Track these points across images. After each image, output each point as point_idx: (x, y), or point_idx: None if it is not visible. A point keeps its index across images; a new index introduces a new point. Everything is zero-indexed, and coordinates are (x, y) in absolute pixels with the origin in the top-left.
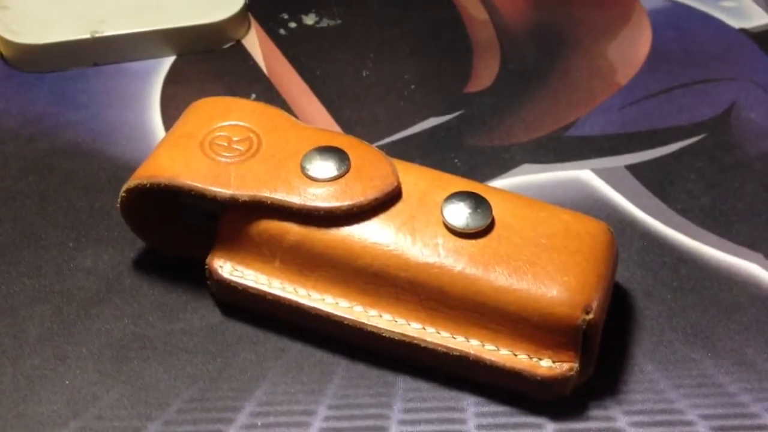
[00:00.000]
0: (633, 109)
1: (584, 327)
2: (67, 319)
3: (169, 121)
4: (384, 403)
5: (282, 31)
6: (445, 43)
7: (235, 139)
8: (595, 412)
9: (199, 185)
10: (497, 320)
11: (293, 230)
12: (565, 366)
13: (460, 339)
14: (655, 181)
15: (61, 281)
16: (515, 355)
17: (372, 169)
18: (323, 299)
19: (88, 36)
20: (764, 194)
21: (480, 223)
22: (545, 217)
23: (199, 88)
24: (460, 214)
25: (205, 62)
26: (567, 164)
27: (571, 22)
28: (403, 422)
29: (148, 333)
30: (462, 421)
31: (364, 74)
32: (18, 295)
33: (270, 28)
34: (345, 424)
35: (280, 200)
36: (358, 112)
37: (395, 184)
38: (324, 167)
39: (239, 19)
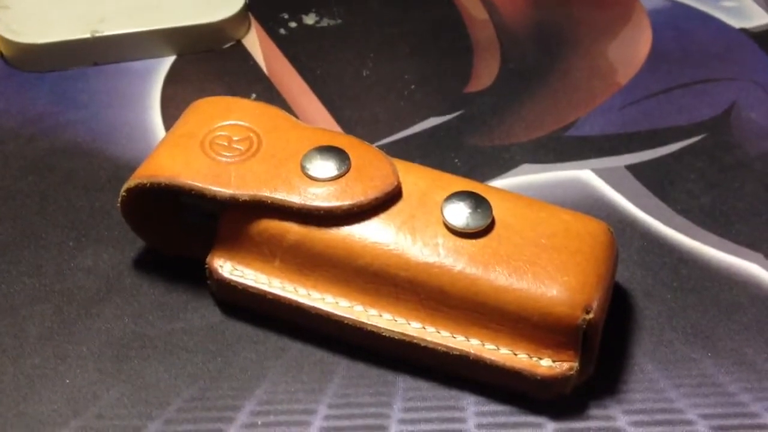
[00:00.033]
0: (633, 109)
1: (584, 326)
2: (67, 318)
3: (169, 120)
4: (384, 402)
5: (282, 31)
6: (445, 42)
7: (235, 138)
8: (595, 412)
9: (200, 185)
10: (497, 320)
11: (293, 230)
12: (565, 365)
13: (460, 338)
14: (655, 181)
15: (61, 280)
16: (515, 355)
17: (372, 168)
18: (323, 299)
19: (88, 35)
20: (764, 194)
21: (480, 222)
22: (545, 217)
23: (200, 88)
24: (460, 213)
25: (205, 62)
26: (567, 164)
27: (571, 22)
28: (403, 421)
29: (148, 332)
30: (462, 420)
31: (364, 74)
32: (18, 295)
33: (270, 28)
34: (345, 423)
35: (281, 200)
36: (358, 111)
37: (395, 183)
38: (324, 167)
39: (239, 19)
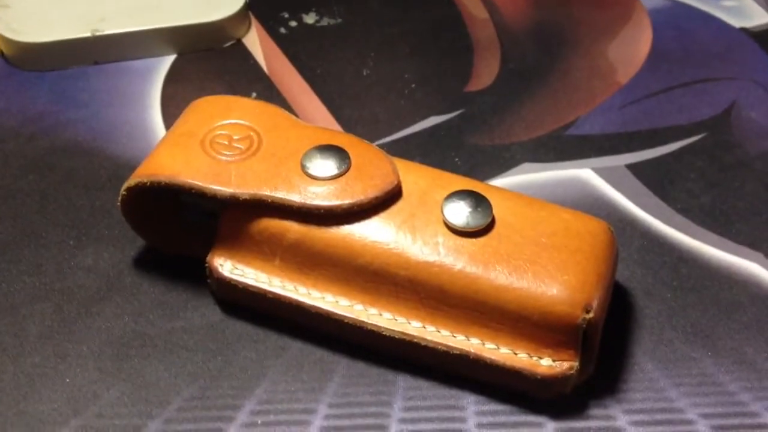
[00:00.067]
0: (633, 108)
1: (584, 326)
2: (67, 317)
3: (169, 119)
4: (384, 402)
5: (282, 30)
6: (445, 42)
7: (235, 137)
8: (595, 411)
9: (200, 184)
10: (497, 319)
11: (293, 229)
12: (566, 365)
13: (461, 337)
14: (655, 180)
15: (61, 279)
16: (515, 354)
17: (372, 167)
18: (323, 298)
19: (88, 34)
20: (764, 193)
21: (480, 221)
22: (545, 216)
23: (200, 87)
24: (460, 212)
25: (205, 61)
26: (567, 163)
27: (571, 22)
28: (403, 420)
29: (148, 331)
30: (462, 420)
31: (364, 73)
32: (18, 294)
33: (270, 27)
34: (345, 422)
35: (281, 199)
36: (358, 110)
37: (395, 182)
38: (324, 166)
39: (240, 18)
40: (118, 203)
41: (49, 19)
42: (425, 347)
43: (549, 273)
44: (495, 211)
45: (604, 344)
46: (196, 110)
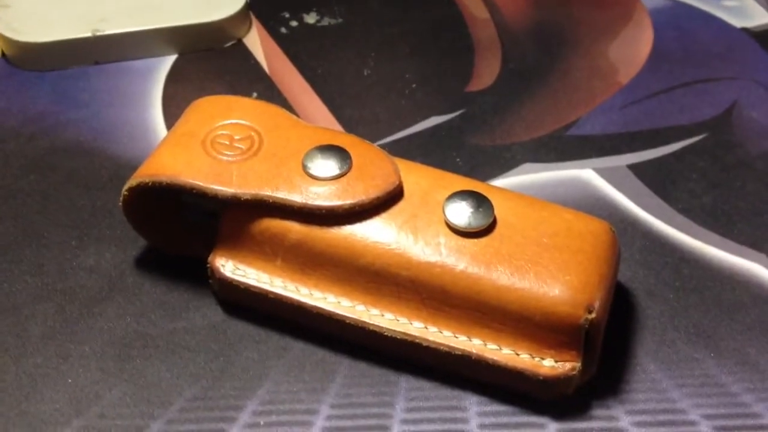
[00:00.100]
0: (634, 108)
1: (586, 326)
2: (69, 317)
3: (170, 119)
4: (386, 402)
5: (283, 30)
6: (446, 42)
7: (236, 137)
8: (597, 412)
9: (201, 184)
10: (499, 319)
11: (295, 229)
12: (568, 365)
13: (463, 338)
14: (656, 180)
15: (63, 280)
16: (517, 355)
17: (374, 168)
18: (325, 298)
19: (89, 34)
20: (766, 193)
21: (482, 222)
22: (547, 217)
23: (201, 87)
24: (462, 213)
25: (206, 61)
26: (568, 163)
27: (572, 22)
28: (405, 421)
29: (150, 331)
30: (464, 421)
31: (365, 73)
32: (20, 294)
33: (271, 27)
34: (347, 423)
35: (282, 199)
36: (359, 110)
37: (397, 182)
38: (325, 166)
39: (240, 18)
40: (120, 203)
41: (49, 18)
42: (427, 348)
43: (551, 273)
44: (496, 212)
45: (606, 345)
46: (197, 110)
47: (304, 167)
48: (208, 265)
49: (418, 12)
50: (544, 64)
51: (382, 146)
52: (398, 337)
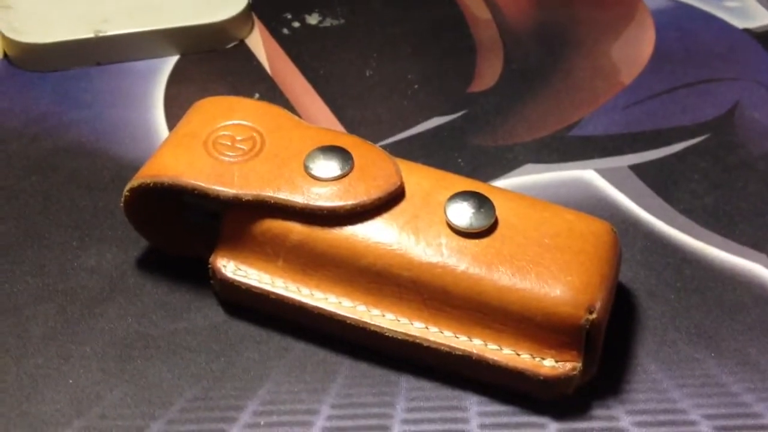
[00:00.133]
0: (636, 109)
1: (587, 327)
2: (70, 318)
3: (172, 120)
4: (387, 402)
5: (285, 31)
6: (448, 42)
7: (238, 138)
8: (598, 412)
9: (203, 184)
10: (500, 320)
11: (296, 229)
12: (568, 366)
13: (463, 338)
14: (658, 181)
15: (64, 280)
16: (518, 355)
17: (375, 168)
18: (326, 298)
19: (91, 35)
20: None
21: (483, 222)
22: (548, 217)
23: (203, 88)
24: (463, 213)
25: (208, 62)
26: (570, 164)
27: (574, 22)
28: (406, 421)
29: (151, 332)
30: (465, 421)
31: (367, 74)
32: (22, 294)
33: (273, 28)
34: (348, 423)
35: (284, 200)
36: (361, 111)
37: (398, 183)
38: (327, 167)
39: (242, 19)
40: (121, 204)
41: (51, 19)
42: (428, 348)
43: (552, 274)
44: (498, 212)
45: (607, 345)
46: (199, 111)
47: (306, 168)
48: (210, 266)
49: (419, 13)
50: (546, 64)
51: (384, 147)
52: (399, 337)
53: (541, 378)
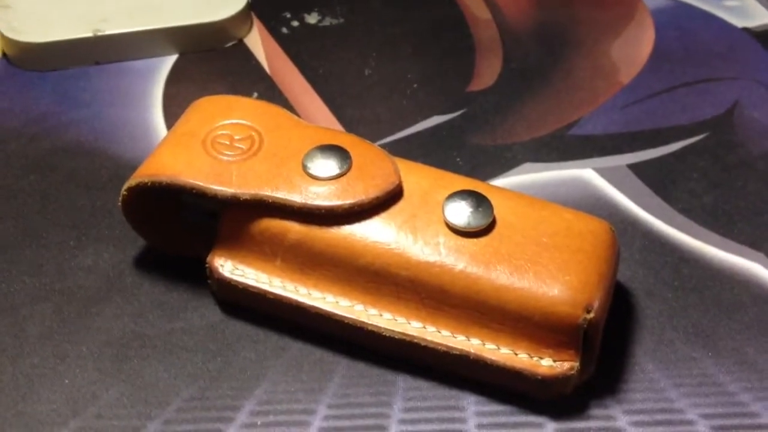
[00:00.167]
0: (635, 108)
1: (585, 326)
2: (67, 317)
3: (171, 119)
4: (384, 402)
5: (284, 30)
6: (447, 42)
7: (236, 137)
8: (595, 411)
9: (201, 184)
10: (498, 319)
11: (294, 229)
12: (566, 365)
13: (461, 338)
14: (657, 180)
15: (61, 280)
16: (516, 354)
17: (374, 167)
18: (324, 298)
19: (90, 35)
20: (767, 193)
21: (481, 221)
22: (547, 216)
23: (202, 87)
24: (461, 212)
25: (207, 61)
26: (569, 163)
27: (573, 22)
28: (403, 421)
29: (148, 332)
30: (462, 420)
31: (366, 73)
32: (18, 294)
33: (272, 27)
34: (345, 423)
35: (282, 199)
36: (360, 110)
37: (397, 182)
38: (326, 166)
39: (241, 18)
40: (119, 203)
41: (50, 19)
42: (425, 347)
43: (550, 273)
44: (496, 211)
45: (604, 344)
46: (197, 110)
47: (304, 167)
48: (207, 265)
49: (419, 12)
50: (545, 63)
51: (383, 146)
52: (397, 336)
53: (539, 377)
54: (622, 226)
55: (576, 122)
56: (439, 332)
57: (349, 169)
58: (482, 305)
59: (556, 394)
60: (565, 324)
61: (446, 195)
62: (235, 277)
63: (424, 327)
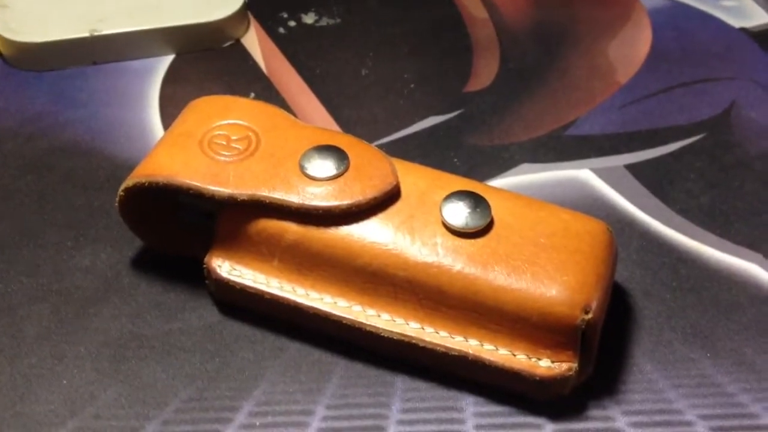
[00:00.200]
0: (633, 108)
1: (583, 327)
2: (65, 318)
3: (167, 119)
4: (382, 403)
5: (281, 30)
6: (444, 42)
7: (233, 137)
8: (594, 412)
9: (198, 184)
10: (496, 320)
11: (292, 229)
12: (564, 366)
13: (459, 339)
14: (654, 180)
15: (59, 280)
16: (514, 355)
17: (371, 168)
18: (322, 299)
19: (87, 35)
20: (764, 194)
21: (479, 222)
22: (544, 217)
23: (199, 87)
24: (459, 213)
25: (204, 61)
26: (566, 164)
27: (570, 21)
28: (401, 422)
29: (146, 332)
30: (461, 421)
31: (363, 73)
32: (16, 294)
33: (269, 27)
34: (343, 423)
35: (279, 199)
36: (357, 111)
37: (394, 183)
38: (323, 166)
39: (238, 18)
40: (116, 204)
41: (47, 19)
42: (424, 348)
43: (548, 274)
44: (494, 212)
45: (602, 345)
46: (194, 110)
47: (302, 167)
48: (205, 266)
49: (416, 12)
50: (542, 63)
51: (380, 146)
52: (395, 337)
53: (537, 378)
54: (620, 227)
55: (573, 122)
56: (438, 333)
57: (346, 169)
58: (480, 306)
59: (554, 395)
60: (563, 325)
61: (444, 195)
62: (232, 278)
63: (423, 328)
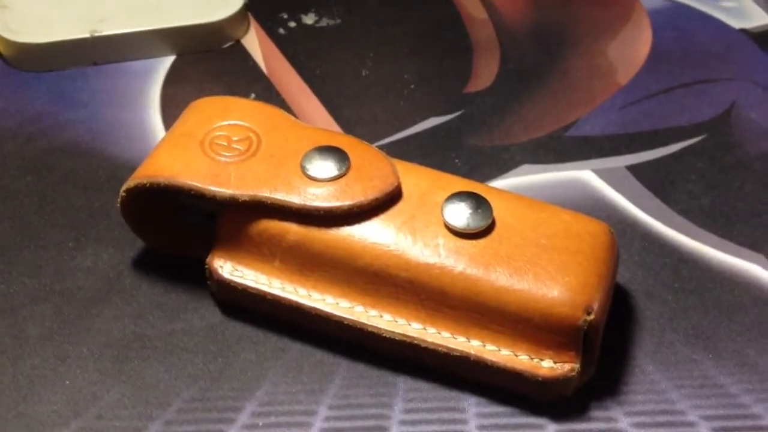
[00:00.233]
0: (633, 109)
1: (585, 327)
2: (67, 318)
3: (168, 120)
4: (385, 404)
5: (281, 31)
6: (444, 42)
7: (234, 138)
8: (596, 413)
9: (199, 185)
10: (498, 321)
11: (293, 230)
12: (567, 367)
13: (461, 339)
14: (655, 181)
15: (61, 281)
16: (516, 356)
17: (372, 168)
18: (323, 299)
19: (87, 35)
20: (765, 194)
21: (481, 223)
22: (546, 218)
23: (199, 88)
24: (460, 214)
25: (204, 62)
26: (567, 164)
27: (571, 22)
28: (403, 422)
29: (148, 333)
30: (463, 422)
31: (363, 74)
32: (18, 295)
33: (269, 28)
34: (346, 424)
35: (280, 200)
36: (357, 111)
37: (395, 184)
38: (324, 167)
39: (239, 19)
40: (118, 204)
41: (47, 19)
42: (426, 349)
43: (550, 274)
44: (495, 213)
45: (604, 346)
46: (195, 111)
47: (303, 168)
48: (207, 267)
49: (416, 12)
50: (542, 64)
51: (381, 147)
52: (397, 338)
53: (540, 379)
54: (621, 228)
55: (573, 123)
56: (440, 333)
57: (347, 170)
58: (482, 307)
59: (556, 396)
60: (565, 325)
61: (445, 196)
62: (234, 279)
63: (425, 328)
